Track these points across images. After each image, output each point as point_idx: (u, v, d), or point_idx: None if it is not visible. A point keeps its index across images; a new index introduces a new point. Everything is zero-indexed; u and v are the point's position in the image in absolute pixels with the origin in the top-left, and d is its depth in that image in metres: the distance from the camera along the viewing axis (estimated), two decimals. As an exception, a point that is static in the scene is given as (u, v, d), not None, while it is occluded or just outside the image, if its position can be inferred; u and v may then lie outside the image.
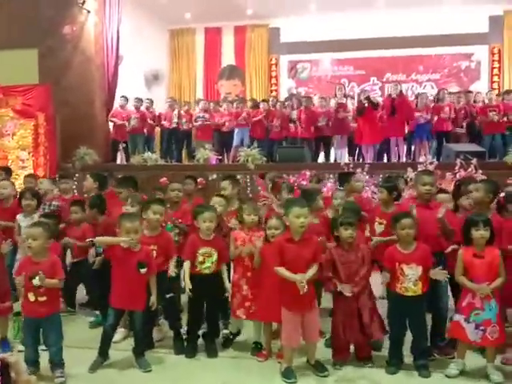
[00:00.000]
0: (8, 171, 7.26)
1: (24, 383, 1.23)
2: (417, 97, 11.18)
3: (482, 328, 3.87)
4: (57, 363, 3.98)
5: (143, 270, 4.12)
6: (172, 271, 4.39)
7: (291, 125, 11.17)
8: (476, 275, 3.92)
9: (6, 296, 4.50)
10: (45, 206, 5.87)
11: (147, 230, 4.52)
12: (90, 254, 5.06)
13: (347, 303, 4.12)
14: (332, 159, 11.16)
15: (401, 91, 10.88)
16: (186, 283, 4.30)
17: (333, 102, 11.15)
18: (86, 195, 6.29)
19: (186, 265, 4.37)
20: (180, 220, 5.10)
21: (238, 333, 4.71)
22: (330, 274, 4.14)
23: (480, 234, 3.93)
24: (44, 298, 3.90)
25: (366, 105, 10.51)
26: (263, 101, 11.87)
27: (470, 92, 11.74)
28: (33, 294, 3.89)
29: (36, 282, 3.82)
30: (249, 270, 4.44)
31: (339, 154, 11.09)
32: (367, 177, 8.23)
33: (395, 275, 4.05)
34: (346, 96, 11.54)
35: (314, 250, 3.98)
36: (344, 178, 6.14)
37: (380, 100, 11.45)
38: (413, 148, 10.88)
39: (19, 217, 5.50)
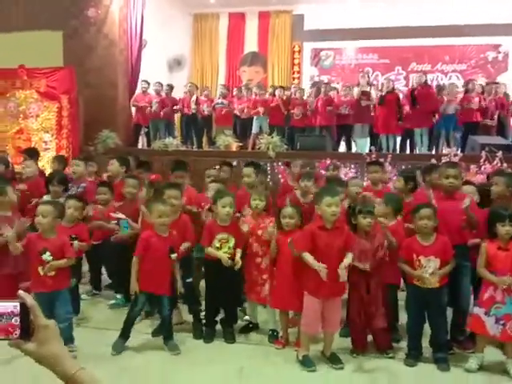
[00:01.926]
0: (33, 153, 7.14)
1: (42, 328, 1.23)
2: (442, 87, 10.94)
3: (502, 322, 3.83)
4: (67, 339, 3.96)
5: (174, 256, 4.18)
6: (174, 256, 4.29)
7: (309, 113, 11.06)
8: (499, 268, 3.87)
9: (26, 276, 4.54)
10: (72, 187, 5.92)
11: None
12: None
13: (360, 291, 4.10)
14: (353, 148, 11.05)
15: (425, 81, 10.69)
16: (223, 259, 4.28)
17: (356, 91, 11.01)
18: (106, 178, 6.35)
19: (209, 250, 4.38)
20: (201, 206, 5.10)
21: (257, 325, 4.72)
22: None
23: (506, 229, 3.88)
24: (53, 273, 3.98)
25: (384, 94, 10.41)
26: (280, 87, 11.76)
27: (500, 83, 11.47)
28: (42, 268, 3.96)
29: (46, 256, 3.91)
30: (257, 256, 4.44)
31: (361, 143, 10.95)
32: (390, 167, 8.14)
33: (413, 267, 4.02)
34: (369, 84, 11.39)
35: (345, 238, 3.95)
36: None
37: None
38: (438, 139, 10.69)
39: (46, 198, 5.44)
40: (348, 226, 4.21)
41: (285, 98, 11.21)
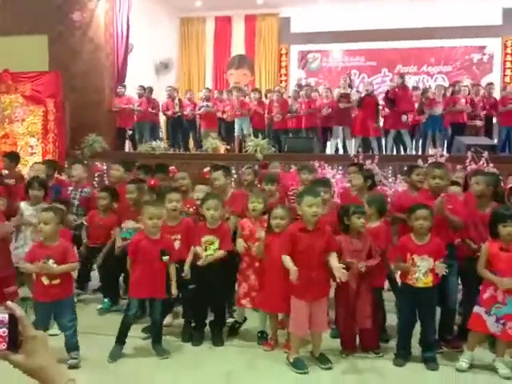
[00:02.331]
0: (14, 157, 6.97)
1: (31, 339, 1.20)
2: (427, 89, 11.02)
3: (502, 322, 3.83)
4: (72, 346, 3.99)
5: (165, 258, 4.12)
6: (166, 258, 4.25)
7: (288, 115, 11.09)
8: (501, 268, 3.86)
9: (11, 280, 4.51)
10: (75, 192, 5.86)
11: (169, 221, 4.53)
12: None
13: (348, 291, 4.09)
14: (332, 150, 11.09)
15: (403, 83, 10.77)
16: (185, 269, 4.31)
17: (335, 92, 11.07)
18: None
19: (198, 249, 4.36)
20: (194, 207, 5.07)
21: (244, 320, 4.71)
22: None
23: (508, 230, 3.88)
24: (57, 281, 3.90)
25: (363, 96, 10.52)
26: (254, 90, 11.79)
27: (490, 84, 11.54)
28: (46, 277, 3.88)
29: (43, 270, 3.83)
30: (256, 260, 4.42)
31: (349, 145, 11.01)
32: (377, 169, 8.16)
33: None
34: (350, 86, 11.45)
35: (327, 239, 3.94)
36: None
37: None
38: (424, 140, 10.78)
39: (23, 204, 5.32)
40: (339, 227, 4.22)
41: (263, 100, 11.27)
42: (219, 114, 11.51)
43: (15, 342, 1.17)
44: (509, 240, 3.90)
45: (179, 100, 11.83)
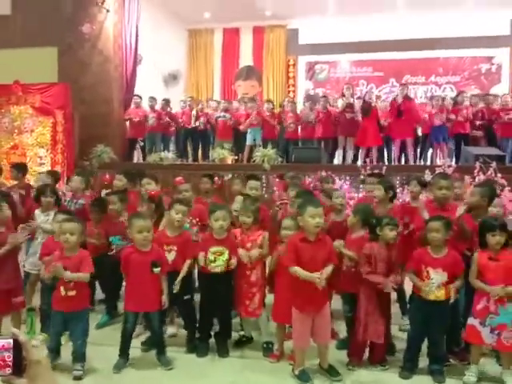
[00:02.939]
0: (22, 168, 6.96)
1: (34, 363, 1.22)
2: (431, 99, 11.03)
3: (496, 332, 3.82)
4: (79, 357, 4.00)
5: (157, 270, 4.11)
6: (157, 270, 4.26)
7: (307, 123, 11.09)
8: (491, 278, 3.85)
9: (19, 291, 4.53)
10: (71, 202, 5.88)
11: (169, 230, 4.53)
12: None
13: (369, 303, 4.07)
14: (340, 160, 11.07)
15: (407, 94, 10.78)
16: (176, 282, 4.31)
17: (340, 103, 11.05)
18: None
19: (187, 263, 4.39)
20: (197, 219, 5.08)
21: (251, 339, 4.68)
22: (369, 269, 4.07)
23: (496, 239, 3.87)
24: (73, 293, 3.93)
25: (373, 105, 10.48)
26: (267, 101, 11.81)
27: (489, 95, 11.56)
28: (64, 288, 3.92)
29: (52, 273, 3.89)
30: (247, 269, 4.43)
31: (349, 155, 10.98)
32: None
33: (420, 278, 4.00)
34: (353, 96, 11.45)
35: (328, 250, 3.93)
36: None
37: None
38: (430, 151, 10.76)
39: (37, 212, 5.39)
40: (369, 236, 4.21)
41: (275, 111, 11.27)
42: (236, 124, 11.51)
43: (19, 366, 1.19)
44: (497, 249, 3.89)
45: (197, 112, 11.86)
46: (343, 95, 11.21)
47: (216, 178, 6.55)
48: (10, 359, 1.18)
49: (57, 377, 1.28)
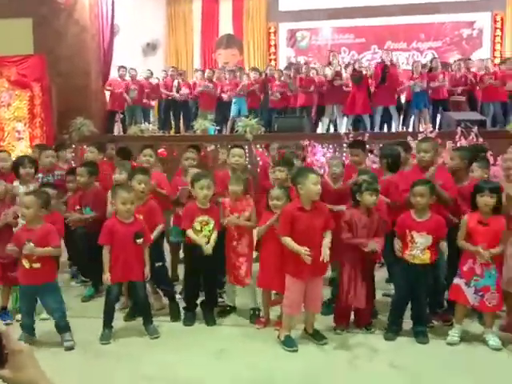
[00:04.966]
0: None
1: (17, 353, 1.18)
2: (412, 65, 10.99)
3: (480, 293, 3.90)
4: (63, 327, 4.01)
5: (139, 241, 4.12)
6: (154, 237, 4.40)
7: (289, 94, 11.00)
8: (479, 242, 3.89)
9: (15, 266, 4.49)
10: (49, 177, 5.78)
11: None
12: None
13: (352, 269, 4.10)
14: (324, 129, 11.03)
15: (391, 59, 10.76)
16: (202, 245, 4.29)
17: (328, 71, 10.96)
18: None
19: (190, 233, 4.35)
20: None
21: (234, 308, 4.71)
22: (350, 235, 4.09)
23: (484, 200, 3.90)
24: (38, 265, 3.91)
25: (364, 73, 10.43)
26: (253, 69, 11.66)
27: (470, 59, 11.56)
28: (27, 260, 3.90)
29: (25, 251, 3.84)
30: (234, 239, 4.45)
31: (339, 124, 10.97)
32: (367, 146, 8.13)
33: (405, 242, 4.04)
34: (340, 64, 11.37)
35: (325, 217, 3.93)
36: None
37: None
38: (412, 117, 10.78)
39: (16, 184, 5.29)
40: (351, 202, 4.22)
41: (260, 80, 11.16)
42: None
43: (0, 356, 1.15)
44: (486, 211, 3.93)
45: (178, 83, 11.68)
46: (330, 63, 11.13)
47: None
48: None
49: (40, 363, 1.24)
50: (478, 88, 10.58)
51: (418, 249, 3.96)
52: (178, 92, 11.52)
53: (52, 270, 4.07)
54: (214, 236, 4.38)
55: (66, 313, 4.11)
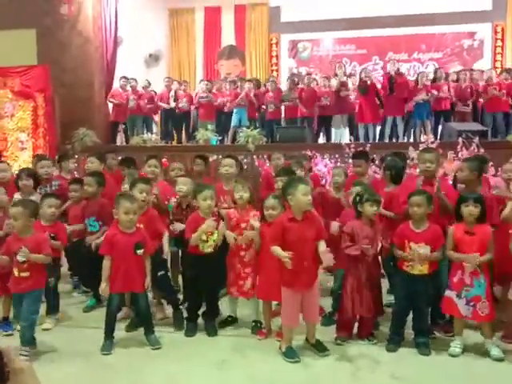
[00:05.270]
0: None
1: (18, 371, 1.18)
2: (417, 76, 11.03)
3: (472, 304, 3.90)
4: (25, 339, 3.96)
5: (140, 252, 4.12)
6: (166, 247, 4.45)
7: (285, 104, 11.04)
8: (465, 252, 3.92)
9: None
10: (47, 188, 5.78)
11: None
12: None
13: (356, 278, 4.10)
14: (333, 139, 11.07)
15: (398, 69, 10.83)
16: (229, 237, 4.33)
17: (334, 82, 11.03)
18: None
19: (194, 241, 4.34)
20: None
21: (236, 319, 4.70)
22: (349, 244, 4.10)
23: (468, 210, 3.93)
24: (26, 274, 3.95)
25: (369, 83, 10.47)
26: (248, 81, 11.74)
27: (475, 70, 11.59)
28: (17, 269, 3.94)
29: (20, 257, 3.87)
30: (242, 249, 4.44)
31: (339, 134, 11.01)
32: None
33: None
34: (346, 75, 11.45)
35: (317, 227, 3.93)
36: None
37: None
38: (414, 127, 10.81)
39: (16, 196, 5.31)
40: (354, 212, 4.23)
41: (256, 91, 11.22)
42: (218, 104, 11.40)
43: (1, 374, 1.16)
44: (471, 221, 3.94)
45: (175, 92, 11.76)
46: (336, 74, 11.20)
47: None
48: None
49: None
50: (481, 99, 10.61)
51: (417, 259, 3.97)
52: (175, 101, 11.57)
53: (40, 280, 4.07)
54: (220, 237, 4.40)
55: (35, 327, 4.06)
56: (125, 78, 11.48)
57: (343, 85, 10.81)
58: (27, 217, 3.98)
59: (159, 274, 4.53)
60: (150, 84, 11.73)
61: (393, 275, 4.52)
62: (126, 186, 4.95)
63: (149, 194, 4.54)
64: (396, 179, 4.89)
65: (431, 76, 10.94)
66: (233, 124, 11.09)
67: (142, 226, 4.34)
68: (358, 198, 4.21)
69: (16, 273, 3.95)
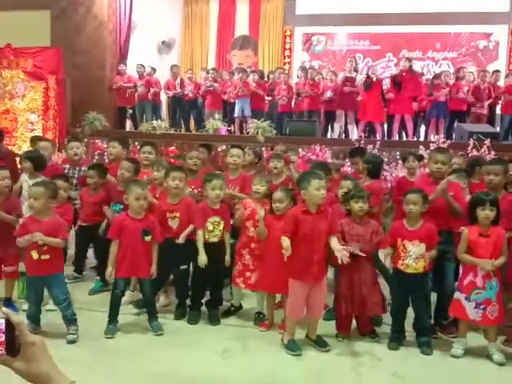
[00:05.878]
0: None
1: (29, 345, 1.19)
2: (438, 75, 10.85)
3: (482, 307, 3.86)
4: (68, 319, 4.03)
5: (147, 238, 4.14)
6: (182, 239, 4.44)
7: (299, 97, 10.98)
8: (480, 254, 3.89)
9: (11, 259, 4.52)
10: (74, 170, 5.76)
11: (169, 198, 4.53)
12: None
13: (350, 276, 4.10)
14: (336, 135, 10.99)
15: (410, 67, 10.67)
16: (200, 252, 4.32)
17: (340, 76, 10.94)
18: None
19: (201, 233, 4.36)
20: (199, 189, 5.06)
21: (240, 307, 4.72)
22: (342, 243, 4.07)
23: (485, 213, 3.89)
24: (47, 257, 3.94)
25: (374, 79, 10.38)
26: (253, 71, 11.66)
27: (498, 71, 11.39)
28: (36, 251, 3.92)
29: (34, 238, 3.84)
30: (253, 241, 4.44)
31: (350, 129, 10.95)
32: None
33: (397, 251, 4.03)
34: (356, 70, 11.33)
35: (330, 221, 3.93)
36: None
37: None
38: (426, 126, 10.72)
39: (23, 176, 5.34)
40: (343, 211, 4.24)
41: (267, 82, 11.13)
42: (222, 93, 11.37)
43: (13, 347, 1.17)
44: (486, 224, 3.91)
45: (181, 80, 11.74)
46: (345, 69, 11.12)
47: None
48: (3, 339, 1.16)
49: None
50: (500, 101, 10.48)
51: (411, 258, 3.95)
52: (180, 88, 11.55)
53: (60, 262, 4.10)
54: (227, 238, 4.45)
55: (73, 305, 4.13)
56: (123, 63, 11.43)
57: (349, 80, 10.69)
58: (47, 198, 3.97)
59: (181, 267, 4.54)
60: (154, 71, 11.66)
61: (388, 274, 4.51)
62: (155, 174, 4.96)
63: (182, 182, 4.53)
64: (373, 174, 4.94)
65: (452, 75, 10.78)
66: (236, 114, 11.04)
67: (178, 214, 4.44)
68: (344, 196, 4.23)
69: (35, 256, 3.92)
